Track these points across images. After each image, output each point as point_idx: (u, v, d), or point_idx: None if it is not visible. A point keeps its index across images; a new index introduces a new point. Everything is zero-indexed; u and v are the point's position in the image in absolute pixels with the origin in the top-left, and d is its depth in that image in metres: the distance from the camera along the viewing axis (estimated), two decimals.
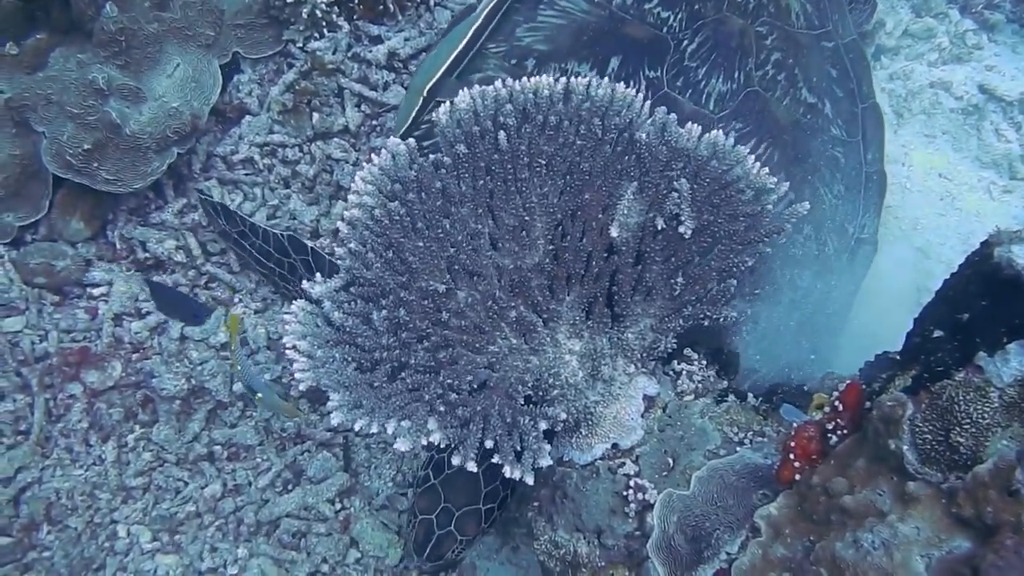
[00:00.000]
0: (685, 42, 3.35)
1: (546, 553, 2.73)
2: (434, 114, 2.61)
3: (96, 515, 3.81)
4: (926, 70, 4.70)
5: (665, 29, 3.38)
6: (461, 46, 3.37)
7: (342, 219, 2.52)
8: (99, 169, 3.72)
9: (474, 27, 3.38)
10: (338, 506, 3.86)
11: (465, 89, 2.59)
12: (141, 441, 3.90)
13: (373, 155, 2.57)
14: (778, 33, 3.49)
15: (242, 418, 3.98)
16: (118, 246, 4.02)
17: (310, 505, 3.79)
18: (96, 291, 4.00)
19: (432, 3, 4.43)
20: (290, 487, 3.89)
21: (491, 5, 3.42)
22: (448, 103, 2.58)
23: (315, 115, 4.15)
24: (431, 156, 2.59)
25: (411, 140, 2.59)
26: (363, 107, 4.24)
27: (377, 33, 4.27)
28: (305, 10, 4.06)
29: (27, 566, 3.69)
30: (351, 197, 2.51)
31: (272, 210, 4.16)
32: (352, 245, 2.49)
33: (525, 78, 2.61)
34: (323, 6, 4.07)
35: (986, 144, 4.40)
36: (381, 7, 4.28)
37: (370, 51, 4.22)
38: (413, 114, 3.36)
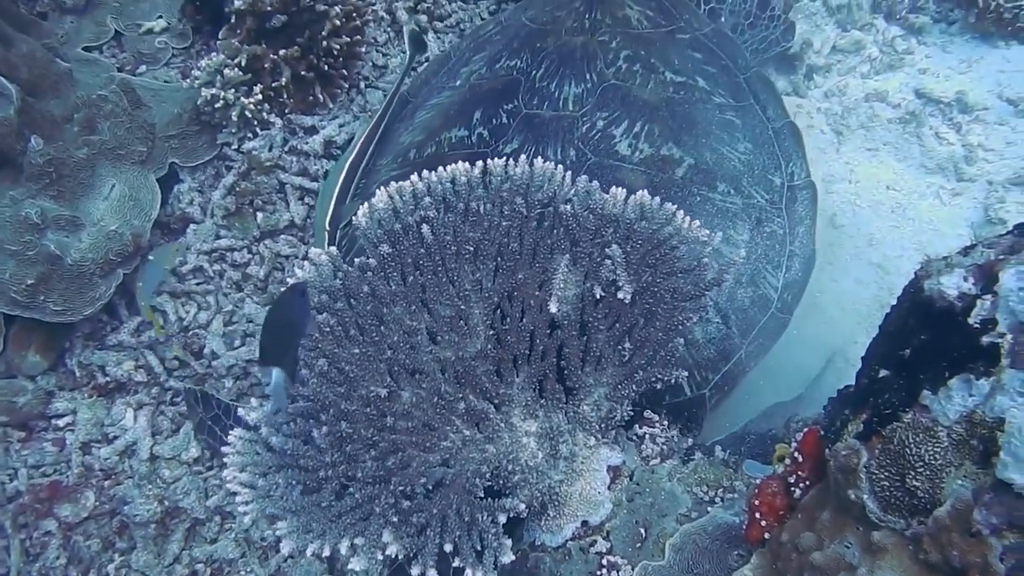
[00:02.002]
0: (533, 71, 3.65)
1: None
2: (354, 217, 2.59)
3: None
4: (860, 83, 4.72)
5: (515, 72, 3.71)
6: (342, 177, 3.72)
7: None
8: (46, 302, 3.71)
9: (350, 159, 3.77)
10: None
11: (381, 188, 2.58)
12: (122, 570, 3.86)
13: (296, 269, 2.55)
14: (622, 36, 3.75)
15: (221, 532, 3.94)
16: (77, 374, 4.01)
17: None
18: (61, 422, 3.98)
19: (363, 86, 4.45)
20: None
21: (361, 141, 3.83)
22: (365, 204, 2.56)
23: (259, 214, 4.16)
24: (356, 260, 2.57)
25: (332, 248, 2.58)
26: (306, 199, 4.24)
27: (311, 123, 4.30)
28: (235, 112, 4.07)
29: None
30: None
31: (228, 316, 4.14)
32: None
33: (440, 168, 2.61)
34: (252, 106, 4.08)
35: (928, 149, 4.40)
36: (311, 97, 4.30)
37: (306, 142, 4.24)
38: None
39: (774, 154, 3.63)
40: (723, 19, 4.51)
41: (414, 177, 2.60)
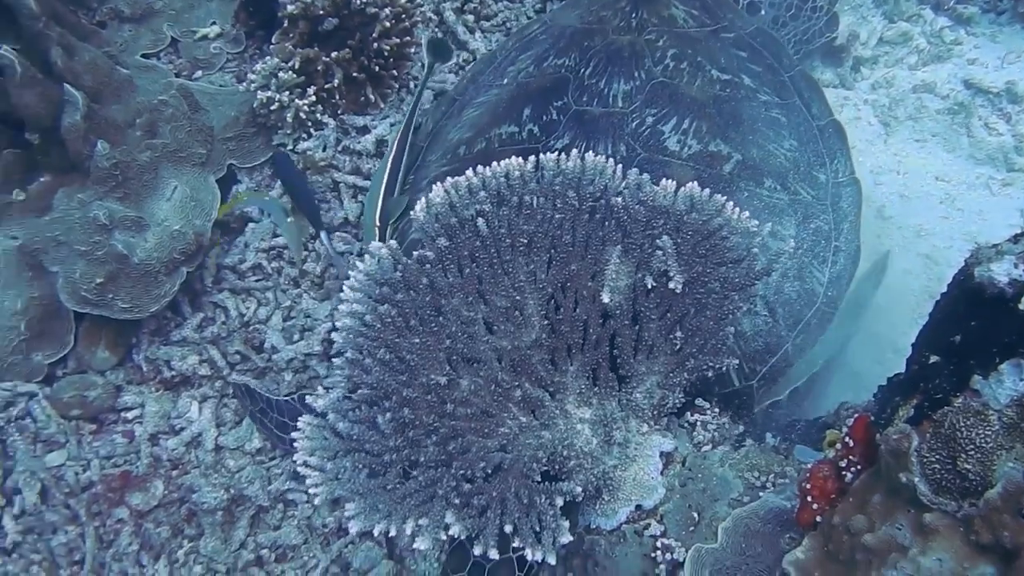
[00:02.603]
0: (582, 70, 3.69)
1: None
2: (412, 212, 2.68)
3: None
4: (908, 74, 4.71)
5: (563, 70, 3.75)
6: (386, 175, 3.81)
7: (336, 330, 2.58)
8: (114, 300, 3.83)
9: (391, 157, 3.86)
10: None
11: (438, 184, 2.65)
12: (191, 555, 3.98)
13: (358, 262, 2.63)
14: (668, 35, 3.79)
15: (285, 519, 4.05)
16: (144, 368, 4.12)
17: None
18: (130, 414, 4.10)
19: (412, 86, 4.53)
20: None
21: (396, 140, 3.92)
22: (423, 199, 2.64)
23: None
24: (415, 253, 2.65)
25: (392, 242, 2.66)
26: (359, 197, 4.33)
27: (363, 123, 4.38)
28: (289, 114, 4.17)
29: None
30: (341, 307, 2.58)
31: (286, 311, 4.25)
32: (348, 354, 2.55)
33: (494, 163, 2.68)
34: (306, 107, 4.17)
35: (978, 140, 4.39)
36: (363, 98, 4.39)
37: (358, 142, 4.33)
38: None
39: (819, 151, 3.66)
40: (763, 11, 4.55)
41: (469, 172, 2.68)
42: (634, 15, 3.84)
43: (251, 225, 4.29)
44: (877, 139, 4.50)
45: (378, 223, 3.72)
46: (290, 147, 4.32)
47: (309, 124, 4.29)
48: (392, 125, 4.41)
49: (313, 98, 4.23)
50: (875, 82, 4.74)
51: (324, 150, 4.30)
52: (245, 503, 4.00)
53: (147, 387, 4.13)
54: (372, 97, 4.40)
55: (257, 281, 4.30)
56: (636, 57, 3.66)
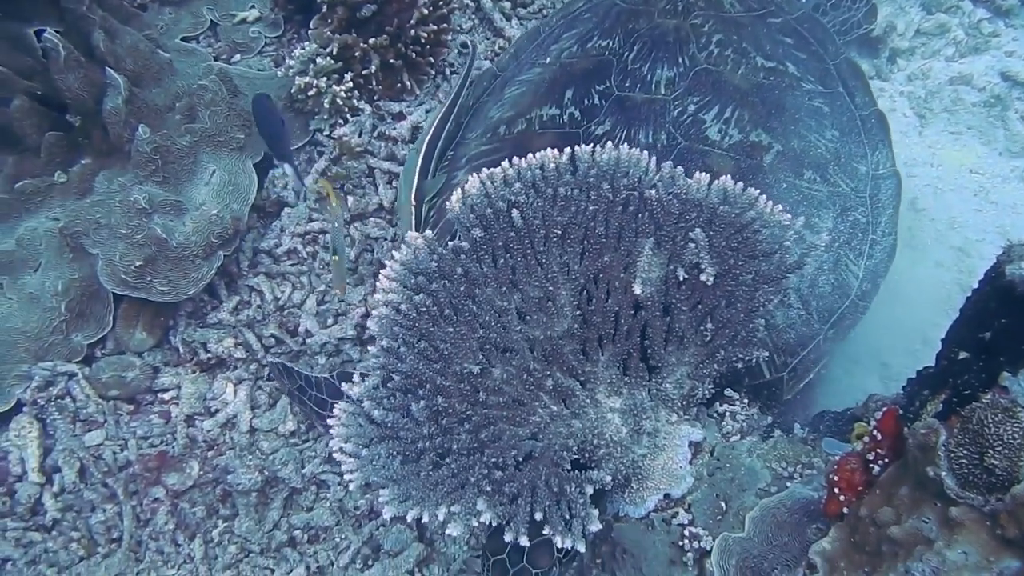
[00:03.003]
0: (626, 53, 3.66)
1: None
2: (446, 203, 2.71)
3: None
4: (944, 66, 4.69)
5: (607, 53, 3.72)
6: (422, 155, 3.82)
7: (372, 318, 2.63)
8: (153, 282, 3.90)
9: (428, 138, 3.86)
10: None
11: (473, 175, 2.68)
12: (225, 535, 4.05)
13: (394, 251, 2.67)
14: (714, 20, 3.75)
15: (317, 501, 4.12)
16: (181, 350, 4.19)
17: None
18: (166, 395, 4.18)
19: (448, 73, 4.56)
20: (370, 563, 3.99)
21: (438, 118, 3.93)
22: (459, 190, 2.67)
23: (350, 198, 4.29)
24: (450, 243, 2.68)
25: (428, 232, 2.69)
26: (394, 183, 4.38)
27: (398, 110, 4.42)
28: (326, 99, 4.22)
29: None
30: (377, 296, 2.62)
31: (320, 296, 4.30)
32: (384, 342, 2.59)
33: (529, 155, 2.71)
34: (343, 93, 4.22)
35: (1013, 133, 4.37)
36: (399, 85, 4.42)
37: (394, 128, 4.37)
38: (412, 223, 3.72)
39: (860, 142, 3.65)
40: (803, 0, 4.52)
41: (505, 163, 2.70)
42: None
43: (287, 210, 4.34)
44: (912, 131, 4.49)
45: (413, 202, 3.74)
46: (326, 132, 4.37)
47: (346, 110, 4.33)
48: (428, 111, 4.45)
49: (350, 84, 4.28)
50: (911, 74, 4.72)
51: (360, 136, 4.34)
52: (279, 484, 4.07)
53: (183, 369, 4.20)
54: (408, 84, 4.44)
55: (292, 265, 4.35)
56: (681, 43, 3.64)
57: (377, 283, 2.65)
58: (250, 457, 4.02)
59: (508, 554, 2.68)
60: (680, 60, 3.59)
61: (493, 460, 2.48)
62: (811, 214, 3.37)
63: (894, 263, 3.77)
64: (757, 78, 3.61)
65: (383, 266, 3.97)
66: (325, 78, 4.23)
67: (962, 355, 2.14)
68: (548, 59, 3.93)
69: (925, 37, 4.83)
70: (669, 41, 3.65)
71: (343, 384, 2.62)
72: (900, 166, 4.13)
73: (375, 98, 4.42)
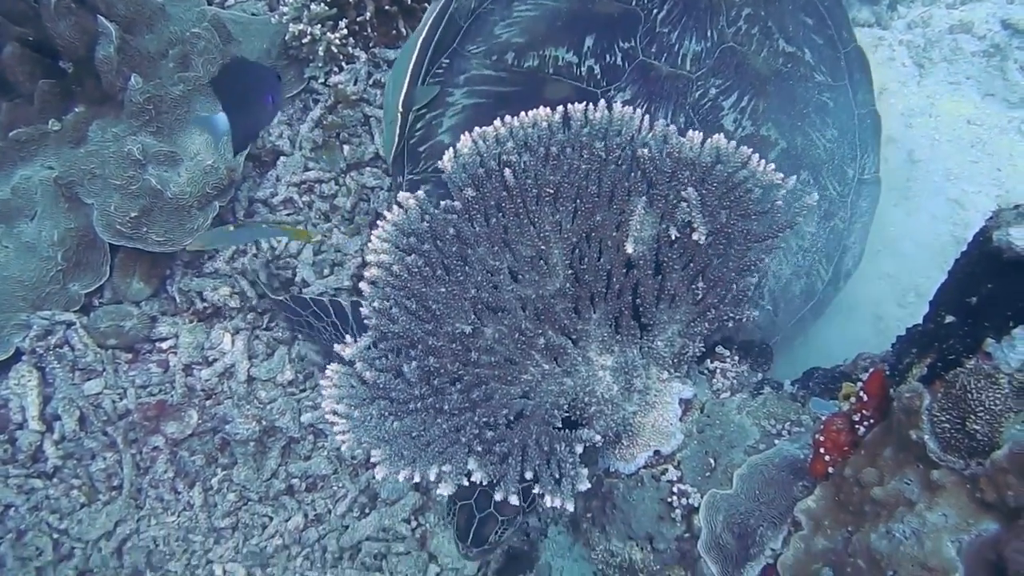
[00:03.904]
0: (655, 10, 3.48)
1: (603, 562, 2.85)
2: (440, 162, 2.71)
3: (192, 557, 4.06)
4: (945, 13, 4.64)
5: (635, 2, 3.50)
6: (415, 57, 3.52)
7: (364, 280, 2.64)
8: (148, 233, 3.90)
9: (421, 37, 3.55)
10: (414, 524, 4.04)
11: (466, 134, 2.68)
12: (224, 483, 4.13)
13: (385, 212, 2.67)
14: None
15: (315, 450, 4.18)
16: (178, 300, 4.21)
17: (387, 527, 3.97)
18: (164, 345, 4.20)
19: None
20: (367, 511, 4.08)
21: (432, 17, 3.58)
22: (451, 150, 2.67)
23: (346, 147, 4.27)
24: (442, 203, 2.69)
25: (420, 193, 2.69)
26: None
27: (393, 57, 4.36)
28: (321, 47, 4.17)
29: None
30: (369, 257, 2.63)
31: (317, 246, 4.30)
32: (376, 303, 2.61)
33: (522, 113, 2.70)
34: (338, 40, 4.17)
35: (1012, 84, 4.33)
36: (394, 32, 4.37)
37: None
38: (397, 131, 3.53)
39: (854, 143, 3.65)
40: None
41: (497, 122, 2.70)
42: None
43: (283, 159, 4.32)
44: (911, 80, 4.45)
45: (401, 109, 3.56)
46: (321, 80, 4.33)
47: (341, 57, 4.28)
48: None
49: (345, 31, 4.22)
50: (912, 21, 4.67)
51: (355, 84, 4.30)
52: (276, 434, 4.13)
53: (181, 318, 4.23)
54: (404, 31, 4.38)
55: (288, 215, 4.35)
56: (712, 12, 3.51)
57: (368, 244, 2.66)
58: (248, 406, 4.06)
59: (476, 500, 2.73)
60: (709, 33, 3.48)
61: (484, 419, 2.52)
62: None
63: (889, 214, 3.80)
64: (777, 64, 3.55)
65: (379, 216, 4.00)
66: (320, 25, 4.18)
67: (948, 319, 2.15)
68: None
69: None
70: (701, 8, 3.51)
71: (335, 345, 2.64)
72: (897, 116, 4.15)
73: (370, 45, 4.36)
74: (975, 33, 4.54)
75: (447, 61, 3.61)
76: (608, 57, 3.44)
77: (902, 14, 4.73)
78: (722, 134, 2.69)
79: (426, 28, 3.57)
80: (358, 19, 4.28)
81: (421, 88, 3.56)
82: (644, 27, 3.48)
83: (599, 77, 3.41)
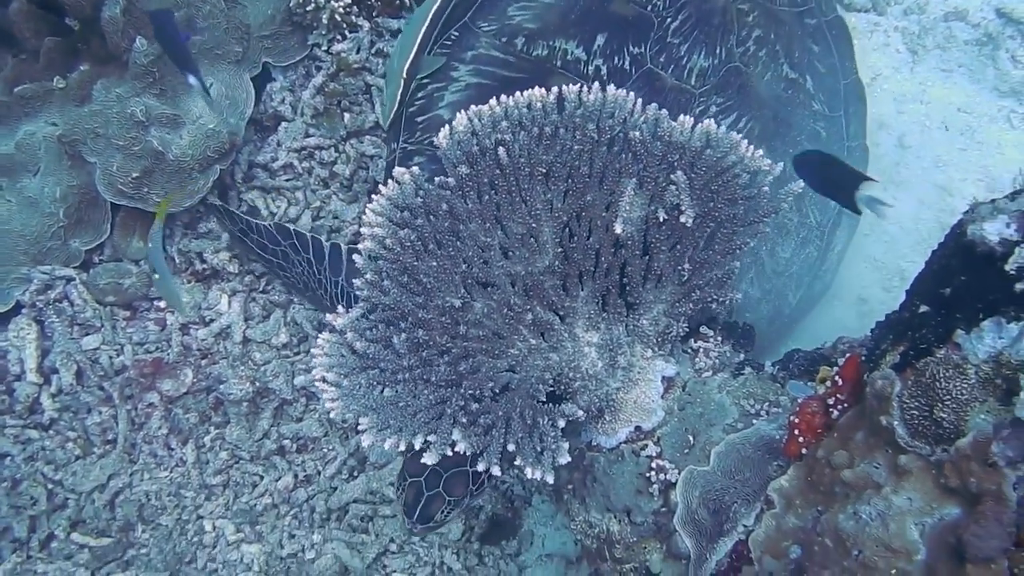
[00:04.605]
0: (668, 19, 3.51)
1: (582, 532, 2.95)
2: (435, 139, 2.76)
3: (184, 513, 4.17)
4: (941, 0, 4.67)
5: (650, 7, 3.54)
6: (426, 24, 3.56)
7: (358, 252, 2.71)
8: (149, 193, 3.95)
9: (435, 6, 3.56)
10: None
11: (462, 111, 2.73)
12: (217, 441, 4.23)
13: (380, 186, 2.73)
14: (760, 10, 3.64)
15: (307, 412, 4.27)
16: (177, 260, 4.27)
17: (375, 490, 4.08)
18: (162, 303, 4.27)
19: None
20: (355, 474, 4.18)
21: None
22: (447, 127, 2.72)
23: (346, 115, 4.31)
24: (436, 179, 2.74)
25: (415, 168, 2.75)
26: None
27: (397, 27, 4.37)
28: (325, 14, 4.19)
29: (128, 563, 4.06)
30: (363, 230, 2.69)
31: (315, 212, 4.36)
32: (368, 275, 2.68)
33: (518, 93, 2.75)
34: (341, 9, 4.20)
35: (1003, 73, 4.38)
36: (398, 2, 4.39)
37: (392, 45, 4.34)
38: (398, 97, 3.57)
39: None
40: None
41: (493, 101, 2.74)
42: None
43: (284, 124, 4.36)
44: (904, 66, 4.50)
45: (405, 75, 3.59)
46: (324, 48, 4.36)
47: (344, 25, 4.30)
48: None
49: (349, 0, 4.25)
50: (907, 7, 4.70)
51: (358, 52, 4.32)
52: (269, 395, 4.22)
53: (179, 278, 4.29)
54: (408, 1, 4.41)
55: (287, 180, 4.40)
56: (724, 29, 3.56)
57: (363, 217, 2.72)
58: (242, 367, 4.14)
59: (425, 478, 2.77)
60: (718, 51, 3.53)
61: (470, 392, 2.59)
62: (776, 241, 3.45)
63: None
64: (778, 89, 3.61)
65: (377, 184, 4.05)
66: None
67: (923, 308, 2.21)
68: None
69: None
70: (714, 24, 3.55)
71: (327, 315, 2.71)
72: (890, 101, 4.20)
73: (374, 14, 4.37)
74: (969, 21, 4.58)
75: (456, 34, 3.65)
76: (616, 59, 3.49)
77: (898, 0, 4.77)
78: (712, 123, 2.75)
79: (437, 5, 3.59)
80: None
81: (427, 57, 3.59)
82: (655, 35, 3.51)
83: (605, 78, 3.44)
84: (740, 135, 3.25)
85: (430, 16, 3.58)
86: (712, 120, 2.74)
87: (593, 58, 3.50)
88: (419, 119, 3.58)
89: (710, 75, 3.50)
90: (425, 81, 3.64)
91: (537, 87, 2.77)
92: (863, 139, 3.80)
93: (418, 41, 3.58)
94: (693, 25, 3.54)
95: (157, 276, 3.54)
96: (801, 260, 3.57)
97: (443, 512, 2.80)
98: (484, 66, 3.59)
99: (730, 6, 3.60)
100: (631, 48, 3.49)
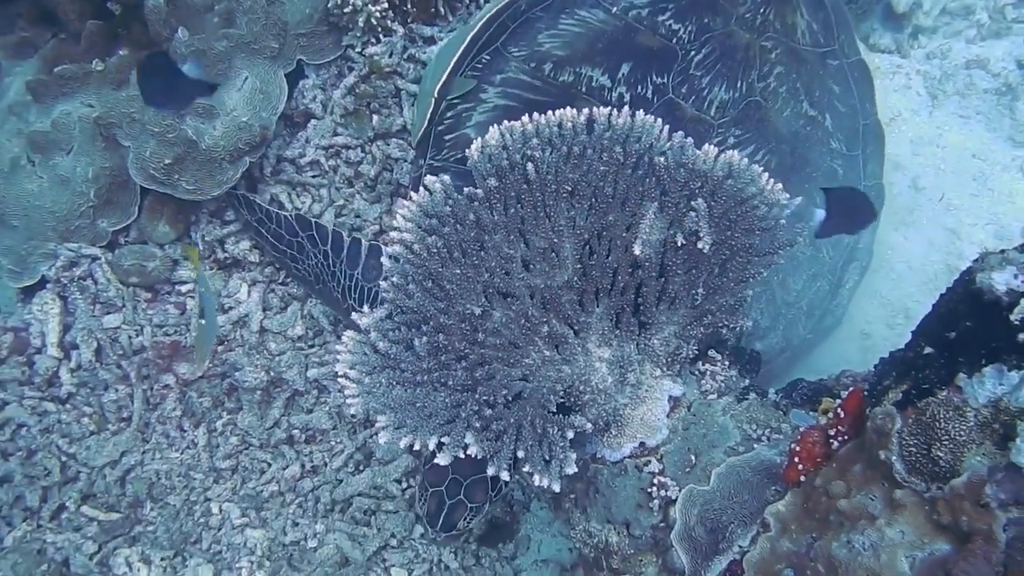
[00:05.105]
0: (692, 52, 3.62)
1: (581, 541, 3.03)
2: (467, 151, 2.84)
3: (192, 494, 4.25)
4: (964, 48, 4.75)
5: (675, 40, 3.65)
6: (462, 48, 3.69)
7: (386, 255, 2.79)
8: (180, 180, 4.04)
9: (472, 32, 3.71)
10: (404, 485, 4.21)
11: (494, 126, 2.82)
12: (228, 427, 4.32)
13: (412, 193, 2.82)
14: (782, 48, 3.74)
15: (317, 404, 4.35)
16: (200, 247, 4.36)
17: (379, 485, 4.15)
18: (183, 288, 4.37)
19: (481, 2, 4.61)
20: (361, 468, 4.26)
21: (488, 16, 3.74)
22: (479, 140, 2.81)
23: (375, 117, 4.39)
24: (465, 189, 2.83)
25: (445, 177, 2.83)
26: None
27: (430, 34, 4.46)
28: (361, 17, 4.28)
29: (134, 538, 4.14)
30: (392, 234, 2.78)
31: (338, 209, 4.44)
32: (394, 278, 2.76)
33: (550, 112, 2.84)
34: (378, 13, 4.28)
35: (1019, 123, 4.45)
36: (433, 9, 4.47)
37: (424, 52, 4.42)
38: (428, 115, 3.68)
39: None
40: None
41: (525, 118, 2.83)
42: (762, 10, 3.76)
43: (313, 122, 4.45)
44: (923, 109, 4.58)
45: (436, 95, 3.71)
46: (358, 49, 4.44)
47: (379, 29, 4.37)
48: None
49: (386, 4, 4.31)
50: (931, 52, 4.78)
51: (390, 56, 4.40)
52: (282, 385, 4.30)
53: (202, 264, 4.37)
54: (442, 9, 4.48)
55: (313, 177, 4.48)
56: (746, 65, 3.66)
57: (393, 220, 2.80)
58: (258, 356, 4.23)
59: (447, 487, 2.92)
60: (739, 84, 3.62)
61: (485, 398, 2.67)
62: (788, 272, 3.53)
63: (888, 237, 3.94)
64: (797, 125, 3.69)
65: (400, 186, 4.13)
66: None
67: (928, 350, 2.28)
68: (615, 8, 3.75)
69: (949, 17, 4.86)
70: (736, 59, 3.65)
71: (353, 314, 2.80)
72: (907, 143, 4.28)
73: (408, 20, 4.45)
74: (990, 70, 4.65)
75: (488, 58, 3.76)
76: (639, 88, 3.60)
77: (922, 44, 4.84)
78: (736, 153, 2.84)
79: (480, 24, 3.75)
80: None
81: (459, 79, 3.70)
82: (679, 66, 3.61)
83: (627, 105, 3.48)
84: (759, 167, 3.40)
85: (467, 41, 3.72)
86: (735, 151, 2.82)
87: (617, 85, 3.61)
88: (447, 137, 3.68)
89: (730, 107, 3.60)
90: (456, 102, 3.74)
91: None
92: (879, 179, 3.87)
93: (452, 63, 3.70)
94: (716, 59, 3.64)
95: (203, 321, 3.59)
96: (812, 293, 3.64)
97: (466, 519, 2.93)
98: (512, 89, 3.70)
99: (754, 43, 3.70)
100: (654, 78, 3.60)
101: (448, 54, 3.75)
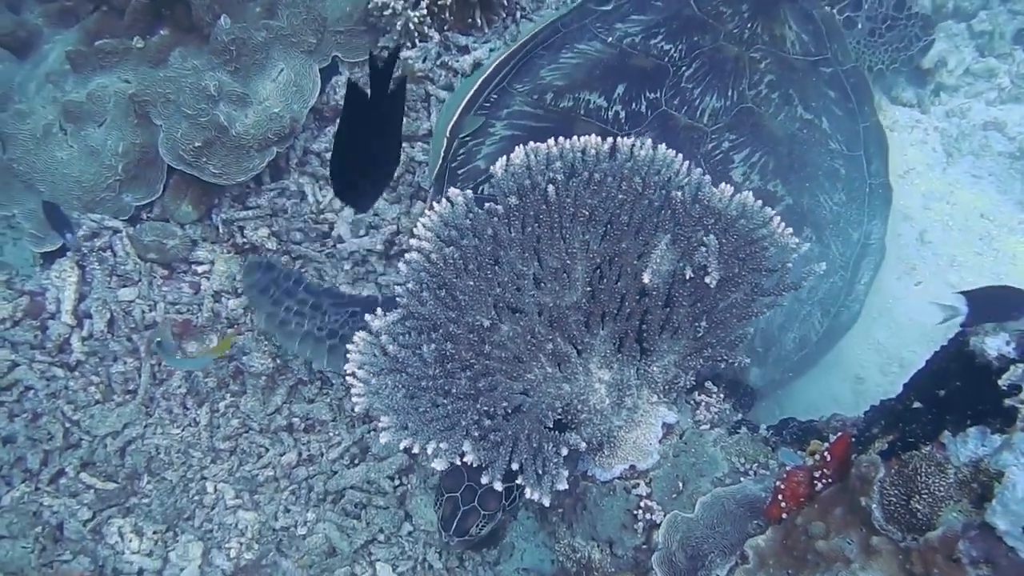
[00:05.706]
0: (683, 68, 3.78)
1: (565, 555, 3.11)
2: (492, 168, 2.92)
3: (189, 471, 4.33)
4: (983, 109, 4.82)
5: (667, 59, 3.84)
6: (473, 90, 3.87)
7: (403, 261, 2.88)
8: (207, 164, 4.14)
9: (483, 76, 3.90)
10: (397, 482, 4.27)
11: (520, 146, 2.89)
12: (230, 409, 4.40)
13: (435, 203, 2.90)
14: (772, 58, 3.89)
15: (319, 395, 4.43)
16: (220, 230, 4.45)
17: (372, 480, 4.21)
18: (200, 268, 4.46)
19: (518, 16, 4.70)
20: (356, 462, 4.33)
21: (499, 60, 3.94)
22: (504, 158, 2.89)
23: (403, 119, 4.47)
24: (486, 204, 2.91)
25: (468, 191, 2.91)
26: None
27: (465, 43, 4.55)
28: (400, 21, 4.36)
29: (129, 510, 4.22)
30: (412, 241, 2.85)
31: None
32: (410, 284, 2.84)
33: (575, 137, 2.92)
34: (416, 18, 4.36)
35: None
36: (470, 20, 4.56)
37: (457, 60, 4.51)
38: (443, 153, 3.82)
39: (861, 209, 3.85)
40: (859, 26, 4.65)
41: (551, 141, 2.91)
42: (749, 25, 3.95)
43: None
44: (937, 166, 4.65)
45: (448, 134, 3.83)
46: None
47: (415, 34, 4.46)
48: (491, 50, 4.58)
49: (424, 11, 4.40)
50: (951, 110, 4.85)
51: (424, 61, 4.48)
52: (287, 374, 4.38)
53: (220, 247, 4.46)
54: (479, 20, 4.57)
55: None
56: (736, 74, 3.80)
57: (414, 228, 2.88)
58: (266, 343, 4.31)
59: (462, 494, 2.97)
60: (730, 93, 3.75)
61: (485, 408, 2.75)
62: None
63: (891, 287, 4.00)
64: (792, 128, 3.78)
65: (420, 189, 4.21)
66: (403, 1, 4.36)
67: (916, 404, 2.35)
68: (611, 38, 3.99)
69: (972, 77, 4.94)
70: (726, 70, 3.80)
71: (366, 315, 2.88)
72: (918, 197, 4.35)
73: (445, 28, 4.54)
74: (1007, 133, 4.72)
75: (495, 96, 3.95)
76: (634, 104, 3.73)
77: (943, 101, 4.91)
78: (733, 186, 2.91)
79: (490, 69, 3.95)
80: (439, 2, 4.45)
81: (470, 117, 3.87)
82: (670, 81, 3.77)
83: (623, 121, 3.70)
84: (755, 170, 3.56)
85: (477, 84, 3.90)
86: (750, 193, 2.90)
87: (613, 105, 3.76)
88: (460, 171, 3.81)
89: (722, 115, 3.72)
90: (467, 139, 3.88)
91: (564, 136, 2.93)
92: (885, 177, 3.94)
93: (462, 105, 3.87)
94: (706, 71, 3.80)
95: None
96: (827, 288, 3.72)
97: (479, 526, 2.99)
98: (517, 120, 3.85)
99: (743, 54, 3.86)
100: (648, 94, 3.76)
101: (460, 95, 3.93)
